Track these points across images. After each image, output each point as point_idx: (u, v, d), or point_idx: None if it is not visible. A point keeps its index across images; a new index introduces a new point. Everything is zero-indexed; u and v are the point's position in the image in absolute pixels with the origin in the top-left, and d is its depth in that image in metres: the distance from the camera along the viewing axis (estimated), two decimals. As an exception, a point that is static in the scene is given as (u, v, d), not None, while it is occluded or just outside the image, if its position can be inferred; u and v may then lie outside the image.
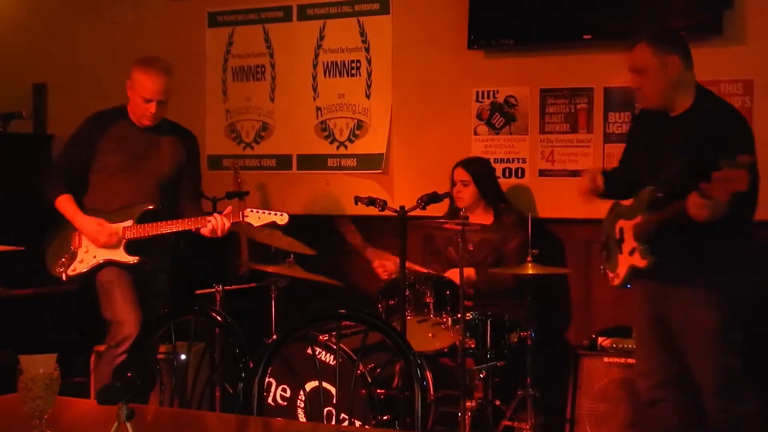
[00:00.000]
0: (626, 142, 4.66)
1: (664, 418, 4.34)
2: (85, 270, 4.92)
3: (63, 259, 4.97)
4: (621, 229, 4.38)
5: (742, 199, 3.81)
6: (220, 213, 4.87)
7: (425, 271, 5.22)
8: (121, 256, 4.90)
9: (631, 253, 4.29)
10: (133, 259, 4.90)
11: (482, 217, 5.35)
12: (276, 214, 4.85)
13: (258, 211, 4.87)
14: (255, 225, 4.87)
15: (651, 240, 4.18)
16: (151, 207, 4.93)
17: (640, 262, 4.23)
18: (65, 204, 4.97)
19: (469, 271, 5.16)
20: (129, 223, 4.90)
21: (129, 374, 2.18)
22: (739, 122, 4.19)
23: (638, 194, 4.28)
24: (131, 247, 4.91)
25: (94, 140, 4.98)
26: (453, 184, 5.40)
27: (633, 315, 4.55)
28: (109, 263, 4.91)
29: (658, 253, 4.18)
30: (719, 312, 4.13)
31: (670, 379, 4.31)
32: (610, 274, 4.48)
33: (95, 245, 4.91)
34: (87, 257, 4.93)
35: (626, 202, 4.47)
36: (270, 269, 5.30)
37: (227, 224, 4.81)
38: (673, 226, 4.05)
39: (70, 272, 4.95)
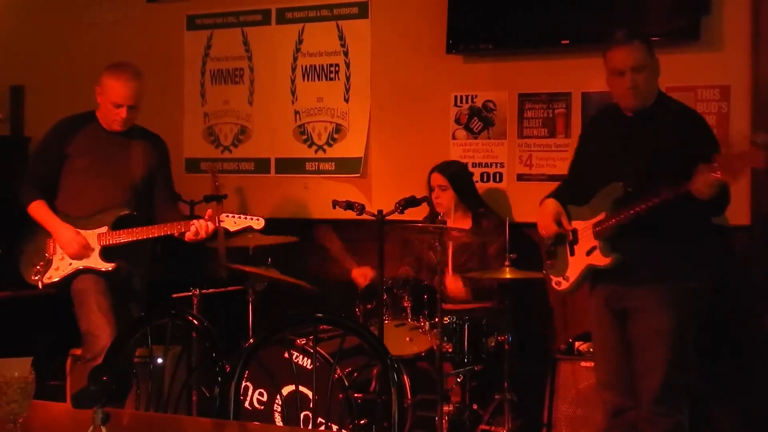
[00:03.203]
0: (579, 148, 4.61)
1: (634, 426, 4.29)
2: (60, 278, 4.87)
3: (38, 267, 4.90)
4: (575, 231, 4.36)
5: (725, 192, 3.88)
6: (199, 217, 4.84)
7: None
8: (96, 263, 4.85)
9: (589, 252, 4.24)
10: (109, 266, 4.84)
11: (461, 222, 5.35)
12: (252, 219, 4.83)
13: (234, 216, 4.84)
14: (231, 230, 4.84)
15: (613, 238, 4.15)
16: (125, 212, 4.89)
17: (601, 260, 4.18)
18: (39, 210, 4.90)
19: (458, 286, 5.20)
20: (104, 229, 4.85)
21: (104, 378, 2.17)
22: (704, 122, 4.26)
23: (602, 191, 4.23)
24: (107, 252, 4.86)
25: (64, 143, 4.92)
26: (431, 189, 5.39)
27: (591, 327, 4.51)
28: (85, 270, 4.86)
29: (619, 251, 4.14)
30: (674, 315, 4.09)
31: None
32: (555, 279, 4.43)
33: (67, 254, 4.86)
34: (63, 264, 4.88)
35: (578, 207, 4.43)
36: (248, 269, 5.29)
37: (211, 227, 4.79)
38: (647, 220, 4.01)
39: (45, 280, 4.88)
